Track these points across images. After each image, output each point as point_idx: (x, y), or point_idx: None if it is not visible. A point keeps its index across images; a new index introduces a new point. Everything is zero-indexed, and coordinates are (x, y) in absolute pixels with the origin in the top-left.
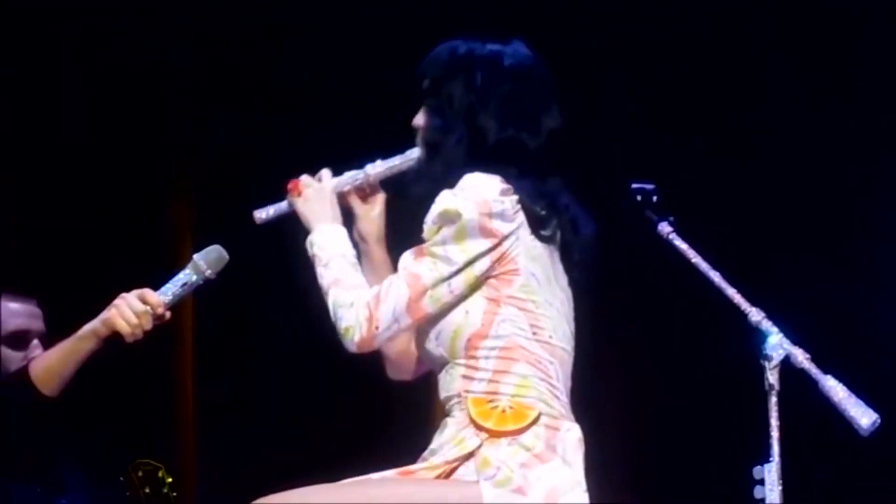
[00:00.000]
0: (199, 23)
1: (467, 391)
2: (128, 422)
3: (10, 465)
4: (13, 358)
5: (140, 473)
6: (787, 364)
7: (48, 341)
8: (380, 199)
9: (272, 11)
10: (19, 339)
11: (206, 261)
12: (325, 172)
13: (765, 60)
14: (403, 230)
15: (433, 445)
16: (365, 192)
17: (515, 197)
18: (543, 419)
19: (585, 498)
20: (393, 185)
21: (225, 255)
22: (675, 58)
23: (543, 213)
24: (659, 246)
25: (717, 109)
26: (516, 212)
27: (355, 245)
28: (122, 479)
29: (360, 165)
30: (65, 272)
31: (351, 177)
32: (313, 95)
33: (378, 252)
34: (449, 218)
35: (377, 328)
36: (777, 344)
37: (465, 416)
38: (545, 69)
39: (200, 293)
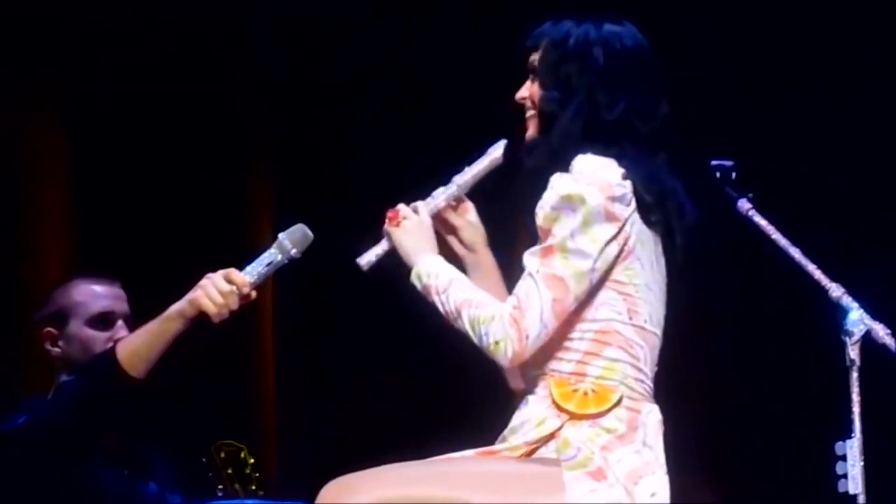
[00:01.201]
0: (280, 10)
1: (553, 370)
2: (210, 404)
3: (97, 448)
4: (98, 339)
5: (223, 454)
6: (868, 339)
7: (132, 323)
8: (470, 206)
9: None
10: (104, 321)
11: (291, 240)
12: (420, 205)
13: (850, 34)
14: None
15: (513, 423)
16: (455, 204)
17: (630, 182)
18: (625, 401)
19: (665, 480)
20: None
21: (310, 233)
22: (753, 31)
23: (651, 199)
24: (739, 223)
25: (799, 84)
26: (632, 197)
27: (461, 258)
28: (204, 460)
29: (444, 172)
30: (146, 254)
31: (443, 195)
32: (394, 81)
33: (486, 257)
34: (571, 204)
35: (527, 337)
36: (858, 319)
37: (546, 395)
38: (656, 54)
39: (279, 273)
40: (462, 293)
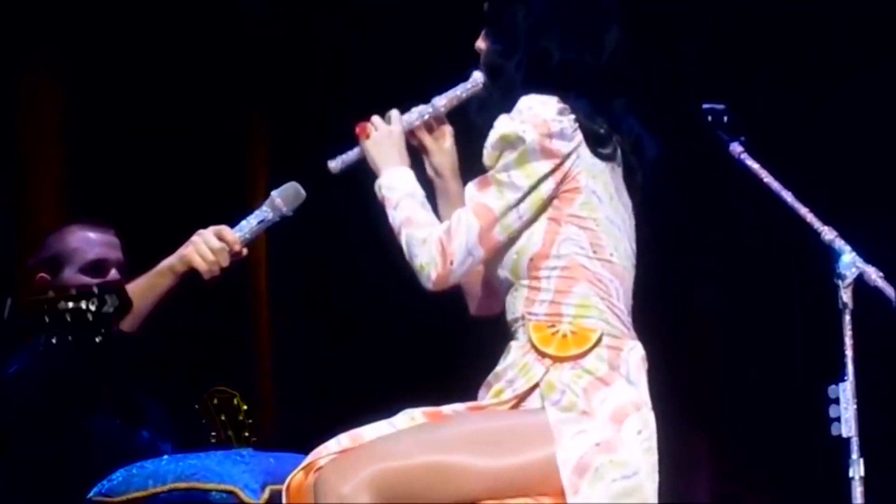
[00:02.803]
0: None
1: (530, 313)
2: (204, 351)
3: (89, 399)
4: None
5: (215, 401)
6: (860, 282)
7: (126, 271)
8: (448, 132)
9: None
10: (98, 268)
11: (282, 197)
12: (394, 113)
13: None
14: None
15: (497, 369)
16: (433, 127)
17: (573, 116)
18: (605, 340)
19: (651, 416)
20: (457, 117)
21: (302, 191)
22: None
23: (602, 130)
24: (731, 166)
25: (792, 32)
26: (574, 130)
27: (430, 181)
28: (196, 406)
29: (427, 99)
30: (140, 203)
31: (419, 113)
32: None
33: (454, 185)
34: (509, 142)
35: (452, 263)
36: (850, 262)
37: (527, 340)
38: None
39: (275, 228)
40: (408, 211)
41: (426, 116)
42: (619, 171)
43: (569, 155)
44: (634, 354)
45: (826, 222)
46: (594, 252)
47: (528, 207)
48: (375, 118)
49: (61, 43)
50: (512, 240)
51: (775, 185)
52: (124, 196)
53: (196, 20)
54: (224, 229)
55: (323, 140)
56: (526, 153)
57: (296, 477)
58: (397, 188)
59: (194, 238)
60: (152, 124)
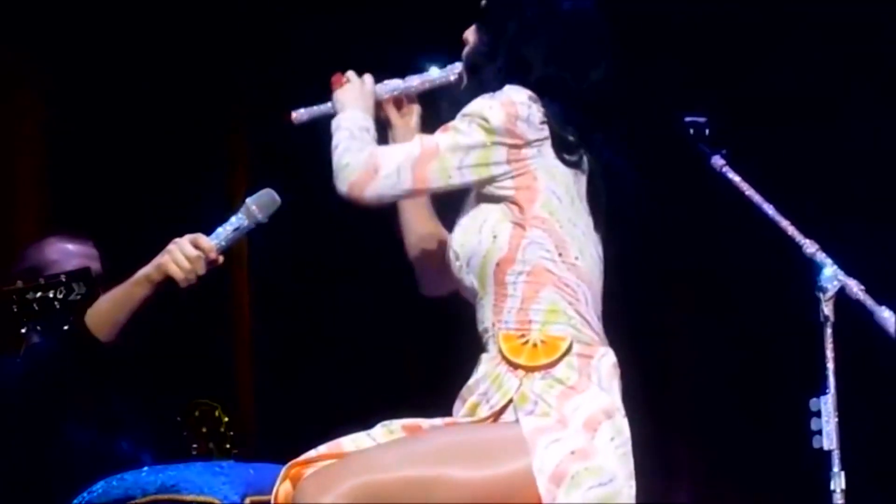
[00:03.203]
0: None
1: (499, 322)
2: (185, 363)
3: (68, 408)
4: None
5: (197, 413)
6: (842, 295)
7: (105, 282)
8: (415, 111)
9: None
10: None
11: (257, 205)
12: (367, 77)
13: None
14: None
15: (470, 382)
16: (402, 103)
17: (543, 110)
18: (576, 348)
19: (625, 423)
20: (429, 104)
21: (277, 198)
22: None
23: (571, 138)
24: (712, 179)
25: (770, 44)
26: (542, 123)
27: None
28: (179, 419)
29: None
30: (119, 213)
31: (391, 86)
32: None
33: None
34: (479, 112)
35: (376, 171)
36: (832, 275)
37: (497, 352)
38: (603, 23)
39: (255, 231)
40: (356, 133)
41: (397, 92)
42: (583, 180)
43: (530, 143)
44: (605, 361)
45: (807, 235)
46: (559, 255)
47: (472, 161)
48: (350, 72)
49: (37, 49)
50: (470, 240)
51: (757, 197)
52: (104, 202)
53: (177, 19)
54: (200, 237)
55: (304, 143)
56: (488, 122)
57: (282, 487)
58: (355, 121)
59: (170, 247)
60: (130, 129)
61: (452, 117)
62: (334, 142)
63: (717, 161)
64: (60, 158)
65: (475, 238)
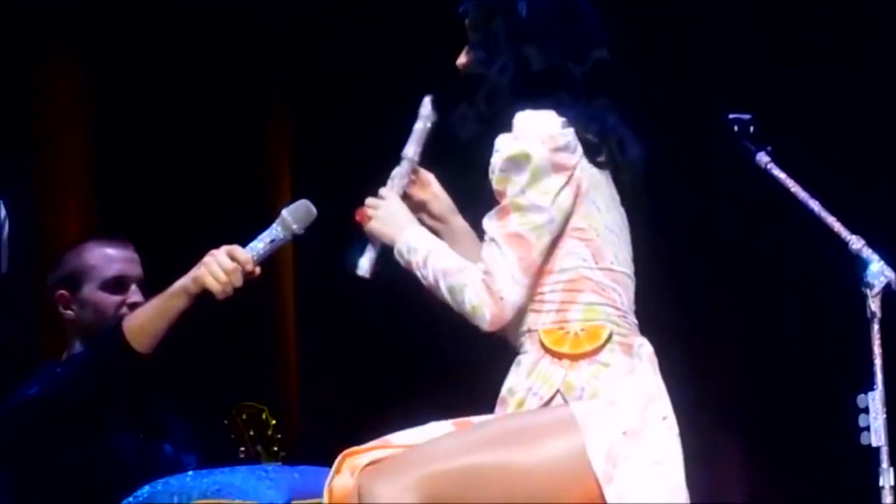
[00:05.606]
0: None
1: (537, 323)
2: (231, 365)
3: (110, 414)
4: (111, 303)
5: (244, 416)
6: (888, 291)
7: (146, 287)
8: (430, 178)
9: None
10: (118, 285)
11: (293, 216)
12: (384, 190)
13: None
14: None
15: (510, 384)
16: (416, 180)
17: (572, 129)
18: (616, 337)
19: (670, 408)
20: (442, 138)
21: (313, 209)
22: None
23: (594, 139)
24: (758, 176)
25: (817, 36)
26: (577, 142)
27: (435, 231)
28: (226, 422)
29: (395, 155)
30: (163, 217)
31: (400, 174)
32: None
33: (458, 223)
34: (517, 163)
35: (503, 299)
36: (878, 271)
37: (538, 349)
38: (592, 7)
39: (301, 235)
40: (439, 263)
41: (408, 175)
42: (611, 177)
43: (576, 166)
44: (645, 350)
45: (853, 231)
46: (596, 262)
47: (555, 223)
48: (369, 200)
49: (91, 69)
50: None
51: (803, 194)
52: (148, 204)
53: (219, 22)
54: (236, 249)
55: (345, 150)
56: (538, 171)
57: (337, 479)
58: (418, 248)
59: (206, 258)
60: (175, 133)
61: (470, 135)
62: (429, 281)
63: (762, 158)
64: (107, 168)
65: None
